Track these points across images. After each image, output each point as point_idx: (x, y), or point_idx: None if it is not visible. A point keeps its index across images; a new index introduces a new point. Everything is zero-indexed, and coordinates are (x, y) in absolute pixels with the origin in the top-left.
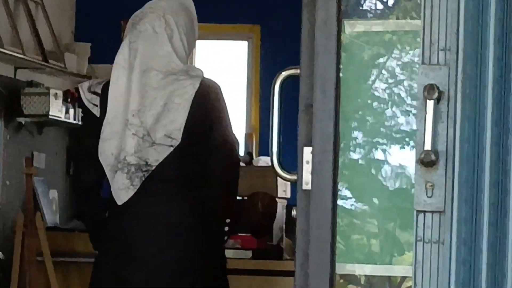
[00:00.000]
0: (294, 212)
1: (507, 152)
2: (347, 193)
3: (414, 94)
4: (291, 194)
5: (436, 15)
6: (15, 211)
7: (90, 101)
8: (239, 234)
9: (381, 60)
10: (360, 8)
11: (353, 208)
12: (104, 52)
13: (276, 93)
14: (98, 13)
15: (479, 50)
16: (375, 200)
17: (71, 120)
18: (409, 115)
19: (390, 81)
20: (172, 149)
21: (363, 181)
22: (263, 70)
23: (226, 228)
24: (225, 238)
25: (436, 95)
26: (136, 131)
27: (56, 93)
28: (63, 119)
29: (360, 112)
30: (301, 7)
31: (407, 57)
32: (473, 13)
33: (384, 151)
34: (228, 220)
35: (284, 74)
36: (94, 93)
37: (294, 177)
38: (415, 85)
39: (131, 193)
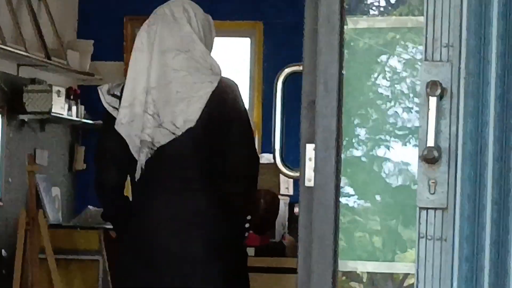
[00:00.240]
0: (296, 209)
1: (510, 148)
2: (349, 190)
3: (417, 90)
4: (294, 191)
5: (439, 12)
6: (17, 208)
7: (110, 104)
8: None
9: (384, 56)
10: (363, 4)
11: (355, 205)
12: (107, 49)
13: (279, 90)
14: (101, 10)
15: (482, 47)
16: (378, 197)
17: (74, 117)
18: (411, 112)
19: (393, 77)
20: (174, 136)
21: (366, 178)
22: (266, 67)
23: (247, 225)
24: (246, 234)
25: (439, 91)
26: (148, 109)
27: (59, 90)
28: (65, 116)
29: (362, 109)
30: (304, 3)
31: (410, 53)
32: (476, 10)
33: (386, 147)
34: (249, 217)
35: (287, 70)
36: (114, 95)
37: (297, 174)
38: (418, 82)
39: (139, 172)
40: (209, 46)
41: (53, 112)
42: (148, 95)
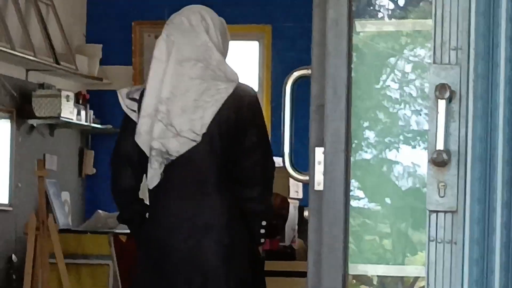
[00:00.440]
0: (306, 213)
1: None
2: (359, 193)
3: (426, 93)
4: (304, 195)
5: (447, 15)
6: (27, 213)
7: (129, 106)
8: None
9: (392, 59)
10: (371, 8)
11: (365, 208)
12: (115, 53)
13: (288, 93)
14: (109, 15)
15: (491, 49)
16: (387, 200)
17: (83, 122)
18: (420, 115)
19: (402, 80)
20: (194, 143)
21: (375, 181)
22: (274, 70)
23: (263, 231)
24: (262, 240)
25: (447, 94)
26: (161, 118)
27: (68, 95)
28: (75, 121)
29: (371, 112)
30: (312, 7)
31: (419, 56)
32: (484, 13)
33: (396, 150)
34: (264, 223)
35: (296, 74)
36: (133, 99)
37: (306, 178)
38: (427, 85)
39: (156, 180)
40: (225, 50)
41: (62, 117)
42: (162, 105)
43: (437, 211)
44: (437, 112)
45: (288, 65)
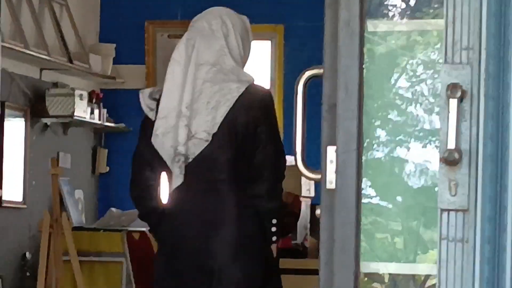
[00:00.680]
0: (318, 211)
1: None
2: (370, 191)
3: (437, 93)
4: (315, 193)
5: (458, 15)
6: (41, 211)
7: (148, 105)
8: None
9: (404, 59)
10: (383, 7)
11: (376, 206)
12: (129, 52)
13: (300, 92)
14: (123, 14)
15: (502, 49)
16: (399, 198)
17: (96, 121)
18: (432, 114)
19: (413, 80)
20: (206, 143)
21: (387, 179)
22: (286, 69)
23: (274, 229)
24: (274, 238)
25: (459, 94)
26: (185, 122)
27: (81, 94)
28: (88, 119)
29: (383, 111)
30: (324, 7)
31: (430, 56)
32: (495, 12)
33: (407, 149)
34: (274, 221)
35: (307, 73)
36: (154, 99)
37: (318, 176)
38: (438, 84)
39: (179, 181)
40: (247, 52)
41: (75, 116)
42: (183, 107)
43: (448, 210)
44: (449, 112)
45: (300, 65)
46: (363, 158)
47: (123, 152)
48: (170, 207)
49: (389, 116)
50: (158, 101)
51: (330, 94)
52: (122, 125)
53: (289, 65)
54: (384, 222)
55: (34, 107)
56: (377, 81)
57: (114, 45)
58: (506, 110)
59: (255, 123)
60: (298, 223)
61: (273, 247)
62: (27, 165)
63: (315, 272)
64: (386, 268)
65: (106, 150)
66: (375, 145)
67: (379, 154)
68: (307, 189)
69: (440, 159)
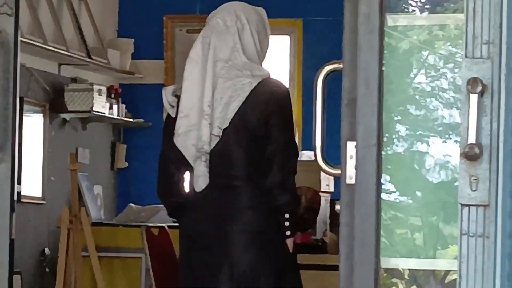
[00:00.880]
0: (338, 207)
1: None
2: (390, 186)
3: (457, 87)
4: (335, 188)
5: (479, 9)
6: (60, 206)
7: (170, 103)
8: None
9: (424, 53)
10: (403, 2)
11: (396, 202)
12: (147, 47)
13: (319, 87)
14: (141, 9)
15: None
16: (418, 194)
17: (115, 116)
18: (451, 108)
19: (433, 74)
20: (218, 139)
21: (406, 174)
22: (305, 64)
23: (287, 223)
24: (288, 233)
25: (479, 88)
26: (210, 121)
27: (100, 89)
28: (107, 115)
29: (402, 106)
30: (343, 1)
31: (450, 50)
32: None
33: (427, 144)
34: (287, 215)
35: (327, 68)
36: (176, 96)
37: (338, 172)
38: (458, 79)
39: (207, 180)
40: (264, 45)
41: (94, 111)
42: (205, 106)
43: (469, 205)
44: (469, 106)
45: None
46: (383, 153)
47: (142, 148)
48: (190, 202)
49: (409, 111)
50: (179, 98)
51: (350, 89)
52: (140, 120)
53: (308, 60)
54: (403, 218)
55: (53, 103)
56: (397, 76)
57: (133, 40)
58: None
59: (267, 117)
60: (318, 218)
61: (289, 241)
62: (46, 160)
63: (335, 267)
64: (405, 263)
65: (125, 146)
66: (395, 140)
67: (398, 149)
68: (326, 184)
69: (461, 154)
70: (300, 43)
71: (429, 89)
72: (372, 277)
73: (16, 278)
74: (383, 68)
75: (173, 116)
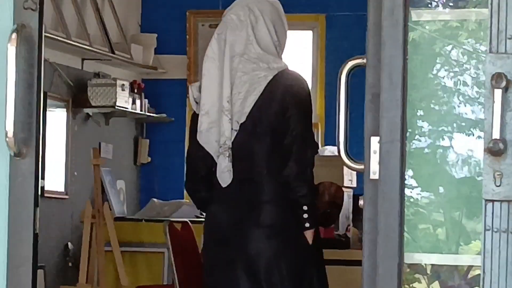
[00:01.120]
0: (361, 202)
1: None
2: (412, 182)
3: (480, 82)
4: (357, 183)
5: (503, 4)
6: (83, 201)
7: (195, 99)
8: None
9: (448, 48)
10: None
11: (419, 197)
12: (170, 43)
13: (343, 82)
14: (164, 4)
15: None
16: (441, 189)
17: (138, 111)
18: (475, 104)
19: (456, 69)
20: (235, 133)
21: (429, 170)
22: (328, 59)
23: (306, 215)
24: (307, 225)
25: (504, 83)
26: (230, 116)
27: (123, 84)
28: (130, 109)
29: (425, 101)
30: None
31: (474, 45)
32: None
33: (450, 139)
34: (305, 208)
35: (350, 63)
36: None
37: (361, 167)
38: (482, 74)
39: (231, 175)
40: (280, 38)
41: (117, 106)
42: (225, 102)
43: (493, 200)
44: (493, 101)
45: (342, 55)
46: (406, 148)
47: (165, 143)
48: (214, 196)
49: (432, 106)
50: None
51: (374, 84)
52: (163, 115)
53: (331, 55)
54: (426, 213)
55: (76, 98)
56: (420, 71)
57: (156, 35)
58: None
59: (284, 110)
60: (340, 213)
61: (309, 233)
62: (69, 155)
63: (358, 263)
64: (428, 259)
65: (148, 140)
66: (418, 136)
67: (421, 144)
68: (349, 179)
69: (485, 150)
70: (323, 38)
71: (452, 84)
72: (396, 272)
73: (40, 273)
74: (407, 63)
75: (198, 112)
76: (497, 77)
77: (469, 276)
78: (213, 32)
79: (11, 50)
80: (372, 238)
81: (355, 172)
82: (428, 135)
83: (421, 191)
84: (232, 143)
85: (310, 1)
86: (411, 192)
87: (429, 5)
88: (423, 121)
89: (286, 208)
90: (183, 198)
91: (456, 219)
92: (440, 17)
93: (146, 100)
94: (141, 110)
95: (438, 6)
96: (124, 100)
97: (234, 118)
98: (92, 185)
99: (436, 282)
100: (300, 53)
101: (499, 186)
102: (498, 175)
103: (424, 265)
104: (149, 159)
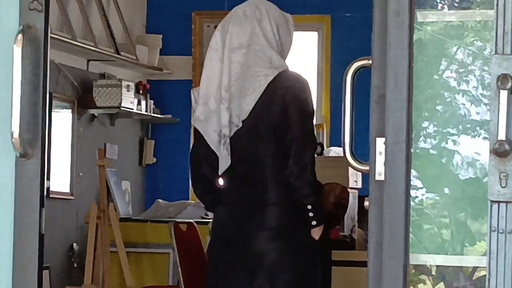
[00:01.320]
0: (366, 203)
1: None
2: (417, 183)
3: (486, 84)
4: (363, 184)
5: (509, 5)
6: (88, 202)
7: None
8: None
9: (453, 49)
10: None
11: (424, 198)
12: (175, 43)
13: (348, 83)
14: (169, 5)
15: None
16: (446, 190)
17: (143, 112)
18: (480, 105)
19: (462, 71)
20: (236, 129)
21: (434, 171)
22: (333, 60)
23: (311, 214)
24: (313, 222)
25: (509, 85)
26: (226, 105)
27: (128, 85)
28: (135, 110)
29: (431, 102)
30: None
31: (479, 47)
32: None
33: (455, 140)
34: (309, 206)
35: (356, 65)
36: None
37: (367, 168)
38: (487, 75)
39: (229, 161)
40: (284, 44)
41: (122, 107)
42: (222, 91)
43: (498, 202)
44: (499, 103)
45: (347, 56)
46: (411, 149)
47: (170, 143)
48: (222, 195)
49: (437, 107)
50: None
51: (379, 85)
52: (169, 116)
53: (336, 56)
54: (431, 214)
55: (81, 98)
56: (426, 72)
57: (161, 36)
58: None
59: (284, 110)
60: (346, 214)
61: (316, 231)
62: (75, 156)
63: (363, 264)
64: (433, 260)
65: (153, 141)
66: (423, 137)
67: (426, 145)
68: (355, 180)
69: (490, 151)
70: (328, 39)
71: (457, 85)
72: (401, 273)
73: (45, 273)
74: (412, 64)
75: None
76: (502, 78)
77: (474, 277)
78: None
79: (17, 51)
80: (378, 239)
81: (360, 173)
82: (434, 136)
83: (426, 192)
84: (236, 144)
85: (315, 2)
86: (416, 193)
87: (435, 6)
88: (428, 122)
89: (290, 209)
90: (188, 199)
91: (461, 220)
92: (446, 18)
93: (152, 101)
94: (146, 111)
95: (444, 7)
96: (129, 101)
97: (235, 112)
98: (97, 185)
99: (441, 283)
100: (305, 54)
101: (505, 187)
102: (503, 176)
103: (429, 266)
104: (154, 159)
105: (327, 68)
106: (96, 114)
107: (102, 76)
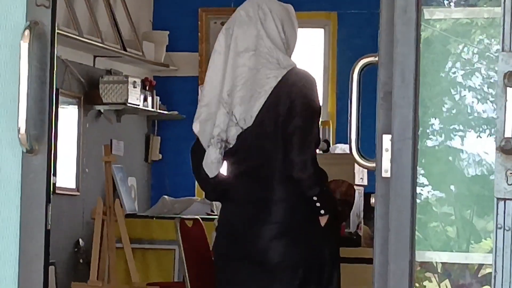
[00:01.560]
0: (372, 200)
1: None
2: (423, 180)
3: (493, 81)
4: (369, 181)
5: None
6: (94, 198)
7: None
8: None
9: (460, 47)
10: None
11: (430, 195)
12: (182, 40)
13: (355, 80)
14: (176, 1)
15: None
16: (452, 187)
17: (149, 108)
18: (486, 102)
19: (468, 68)
20: (241, 130)
21: (441, 168)
22: (340, 57)
23: (318, 204)
24: (322, 212)
25: None
26: (225, 107)
27: (135, 81)
28: (141, 107)
29: (437, 99)
30: None
31: (486, 44)
32: None
33: (461, 138)
34: (315, 198)
35: (363, 61)
36: None
37: (373, 165)
38: (494, 72)
39: (220, 166)
40: (289, 38)
41: (129, 103)
42: (224, 94)
43: (505, 199)
44: (506, 100)
45: (353, 53)
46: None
47: (176, 140)
48: (228, 192)
49: (444, 105)
50: None
51: (386, 82)
52: (175, 112)
53: (342, 53)
54: (437, 211)
55: (88, 94)
56: (432, 69)
57: (168, 32)
58: None
59: (290, 104)
60: (351, 211)
61: (323, 218)
62: (81, 152)
63: (368, 261)
64: (439, 257)
65: (159, 138)
66: (429, 134)
67: (433, 142)
68: (361, 177)
69: (497, 148)
70: (335, 36)
71: (464, 82)
72: (407, 271)
73: (51, 269)
74: (419, 61)
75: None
76: (509, 76)
77: (480, 274)
78: None
79: (24, 47)
80: (384, 236)
81: (366, 170)
82: (440, 133)
83: (432, 189)
84: (243, 141)
85: None
86: (422, 190)
87: (442, 4)
88: (435, 119)
89: (297, 206)
90: (194, 195)
91: (467, 218)
92: (453, 15)
93: (158, 97)
94: (152, 107)
95: (451, 4)
96: (135, 97)
97: (242, 116)
98: (103, 182)
99: (447, 281)
100: (311, 51)
101: (511, 184)
102: (510, 173)
103: (435, 264)
104: (160, 156)
105: (333, 65)
106: (102, 110)
107: (109, 72)
